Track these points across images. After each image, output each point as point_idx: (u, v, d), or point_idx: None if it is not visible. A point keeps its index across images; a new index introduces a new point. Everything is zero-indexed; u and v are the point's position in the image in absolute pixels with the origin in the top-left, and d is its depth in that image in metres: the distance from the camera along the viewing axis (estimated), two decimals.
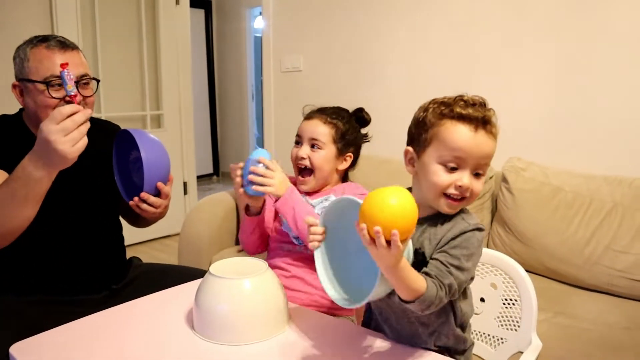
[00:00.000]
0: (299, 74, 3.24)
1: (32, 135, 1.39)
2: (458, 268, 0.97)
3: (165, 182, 1.40)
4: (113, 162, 1.47)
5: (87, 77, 1.40)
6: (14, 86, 1.39)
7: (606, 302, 1.81)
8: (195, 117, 4.28)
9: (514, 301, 1.25)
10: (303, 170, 1.53)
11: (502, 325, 1.26)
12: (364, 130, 1.61)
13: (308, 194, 1.56)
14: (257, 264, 1.18)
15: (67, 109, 1.13)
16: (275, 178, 1.36)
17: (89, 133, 1.49)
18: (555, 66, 2.23)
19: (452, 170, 0.99)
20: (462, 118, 0.98)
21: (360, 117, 1.58)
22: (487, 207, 2.18)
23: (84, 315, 1.18)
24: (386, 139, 2.34)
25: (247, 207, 1.50)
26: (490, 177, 2.17)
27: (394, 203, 0.82)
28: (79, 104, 1.26)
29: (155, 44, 3.87)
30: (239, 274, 1.11)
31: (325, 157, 1.51)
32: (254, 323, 1.08)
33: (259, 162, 1.37)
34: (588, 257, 1.86)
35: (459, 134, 0.98)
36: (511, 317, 1.24)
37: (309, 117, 1.54)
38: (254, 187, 1.36)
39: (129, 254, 1.68)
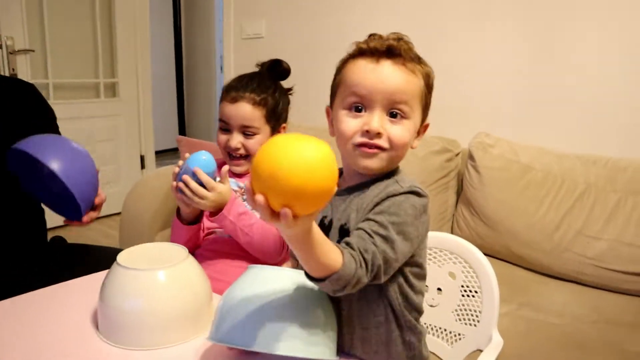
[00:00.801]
0: (260, 41, 3.03)
1: None
2: (385, 239, 0.77)
3: (96, 187, 1.19)
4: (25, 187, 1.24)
5: None
6: None
7: (574, 291, 1.68)
8: (161, 88, 4.06)
9: (474, 292, 1.12)
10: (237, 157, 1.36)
11: (460, 319, 1.14)
12: (285, 84, 1.43)
13: (238, 175, 1.39)
14: (175, 251, 1.01)
15: None
16: (206, 199, 1.18)
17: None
18: (527, 37, 2.08)
19: (358, 112, 0.84)
20: (362, 53, 0.85)
21: (280, 72, 1.41)
22: (452, 186, 2.04)
23: None
24: None
25: (178, 211, 1.31)
26: (457, 155, 2.02)
27: (303, 163, 0.59)
28: None
29: (110, 6, 3.60)
30: (152, 264, 0.94)
31: (261, 141, 1.34)
32: (171, 323, 0.92)
33: (195, 173, 1.18)
34: (558, 243, 1.72)
35: (357, 68, 0.84)
36: (470, 310, 1.12)
37: (232, 99, 1.32)
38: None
39: (79, 230, 1.48)
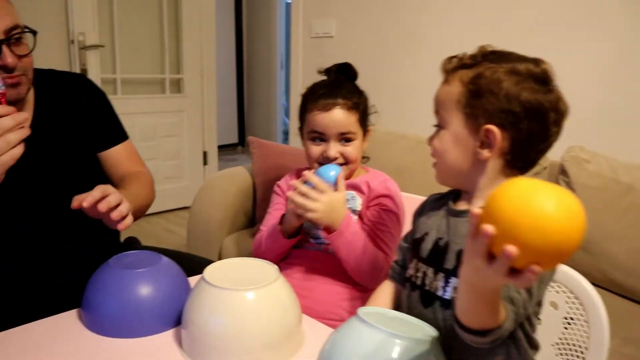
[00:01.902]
0: (329, 40, 2.95)
1: None
2: (530, 293, 0.74)
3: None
4: None
5: (18, 29, 1.09)
6: None
7: None
8: (221, 84, 4.05)
9: (579, 326, 1.01)
10: None
11: (561, 354, 1.03)
12: None
13: None
14: (265, 269, 0.95)
15: None
16: (319, 202, 1.12)
17: (50, 88, 1.27)
18: (629, 39, 1.91)
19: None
20: None
21: (351, 75, 1.35)
22: None
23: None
24: (414, 113, 2.13)
25: (280, 221, 1.26)
26: (545, 168, 1.87)
27: (557, 223, 0.53)
28: (13, 70, 1.03)
29: (177, 4, 3.61)
30: (241, 283, 0.88)
31: (358, 146, 1.29)
32: (258, 345, 0.86)
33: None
34: None
35: None
36: (575, 345, 1.01)
37: (325, 107, 1.25)
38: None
39: (138, 224, 1.39)
